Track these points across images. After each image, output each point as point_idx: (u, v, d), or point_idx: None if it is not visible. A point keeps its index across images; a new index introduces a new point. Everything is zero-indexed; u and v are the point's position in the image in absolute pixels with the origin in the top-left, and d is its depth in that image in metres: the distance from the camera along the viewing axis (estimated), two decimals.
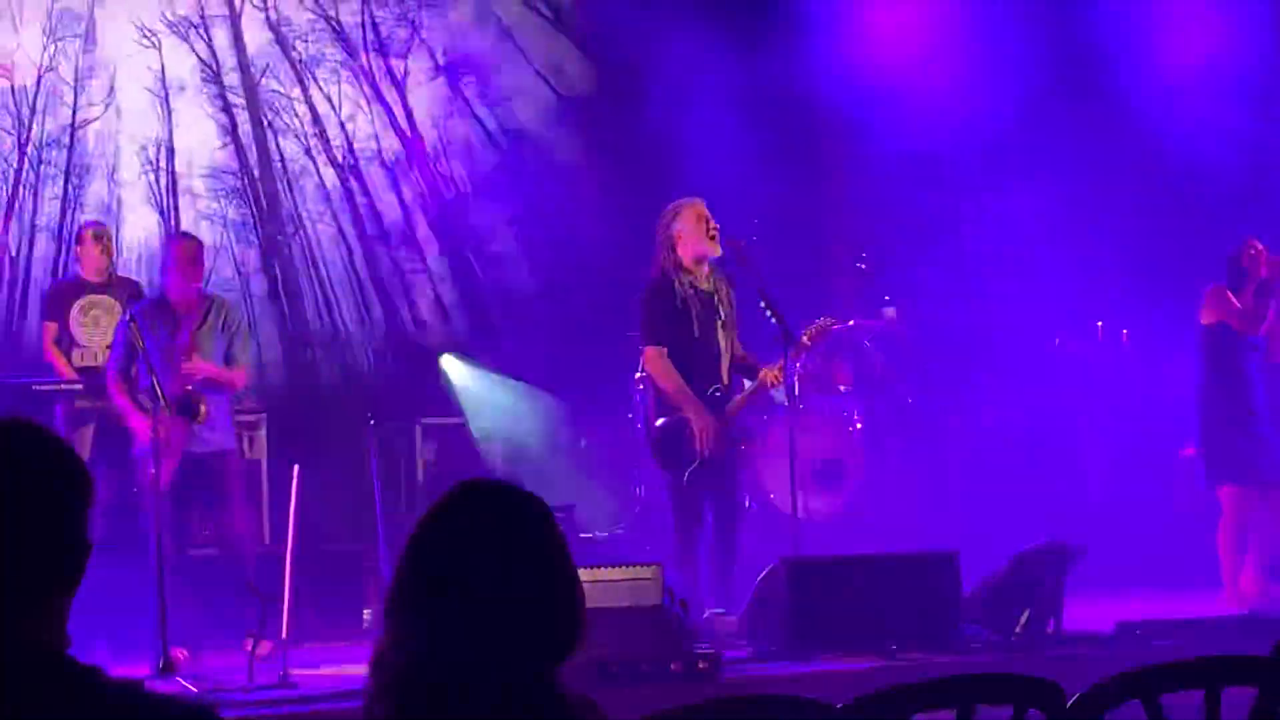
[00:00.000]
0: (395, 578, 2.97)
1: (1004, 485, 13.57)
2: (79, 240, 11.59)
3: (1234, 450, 10.58)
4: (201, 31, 13.86)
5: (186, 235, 10.95)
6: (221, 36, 13.91)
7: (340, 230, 14.19)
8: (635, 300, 10.04)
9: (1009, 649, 8.79)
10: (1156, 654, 8.33)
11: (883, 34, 14.03)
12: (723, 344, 9.89)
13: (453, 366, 13.46)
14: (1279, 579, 10.80)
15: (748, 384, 9.96)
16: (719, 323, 9.87)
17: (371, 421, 11.62)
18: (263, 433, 11.92)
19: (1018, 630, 8.89)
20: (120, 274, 11.97)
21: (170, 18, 13.71)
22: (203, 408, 9.86)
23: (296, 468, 8.90)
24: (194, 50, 13.82)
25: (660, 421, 9.93)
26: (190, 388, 9.87)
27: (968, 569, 9.07)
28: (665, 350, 9.82)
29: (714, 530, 9.86)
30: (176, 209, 13.66)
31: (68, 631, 2.72)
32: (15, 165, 13.27)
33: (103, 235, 11.60)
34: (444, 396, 13.25)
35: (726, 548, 9.78)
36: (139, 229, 13.53)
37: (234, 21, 13.93)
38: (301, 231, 14.00)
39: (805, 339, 9.96)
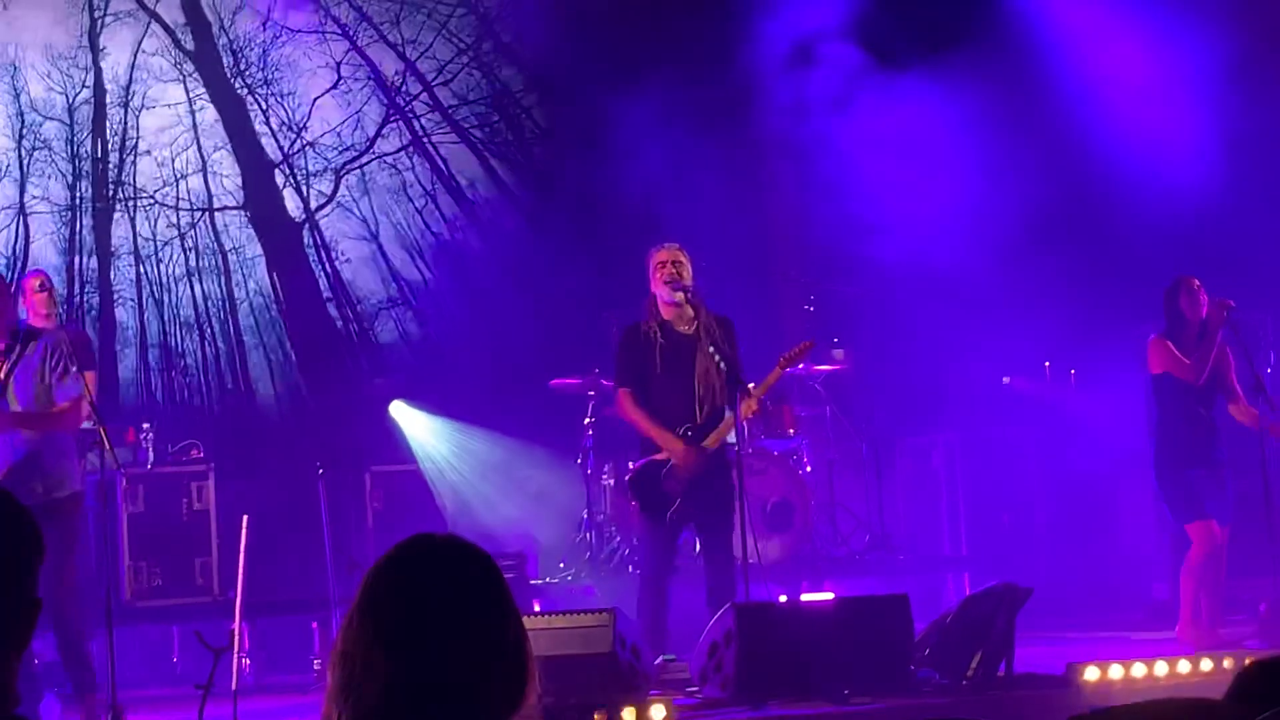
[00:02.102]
0: (344, 630, 2.96)
1: (952, 525, 13.64)
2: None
3: (1192, 487, 10.60)
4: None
5: None
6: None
7: (190, 305, 14.37)
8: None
9: (961, 692, 8.78)
10: (1107, 696, 8.44)
11: (835, 76, 14.10)
12: (700, 384, 9.90)
13: (402, 413, 13.43)
14: (1243, 618, 10.84)
15: (727, 414, 9.94)
16: (696, 364, 9.88)
17: (320, 470, 11.59)
18: (210, 483, 11.88)
19: (969, 673, 8.89)
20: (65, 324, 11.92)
21: None
22: None
23: (245, 518, 8.85)
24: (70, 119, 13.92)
25: (633, 464, 9.97)
26: None
27: (918, 611, 9.07)
28: (631, 392, 9.94)
29: (710, 582, 9.83)
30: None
31: (16, 691, 2.71)
32: None
33: (48, 284, 11.53)
34: (393, 443, 13.22)
35: (724, 595, 9.70)
36: None
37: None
38: (150, 302, 14.12)
39: (776, 370, 10.08)
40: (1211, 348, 10.59)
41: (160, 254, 14.37)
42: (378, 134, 15.25)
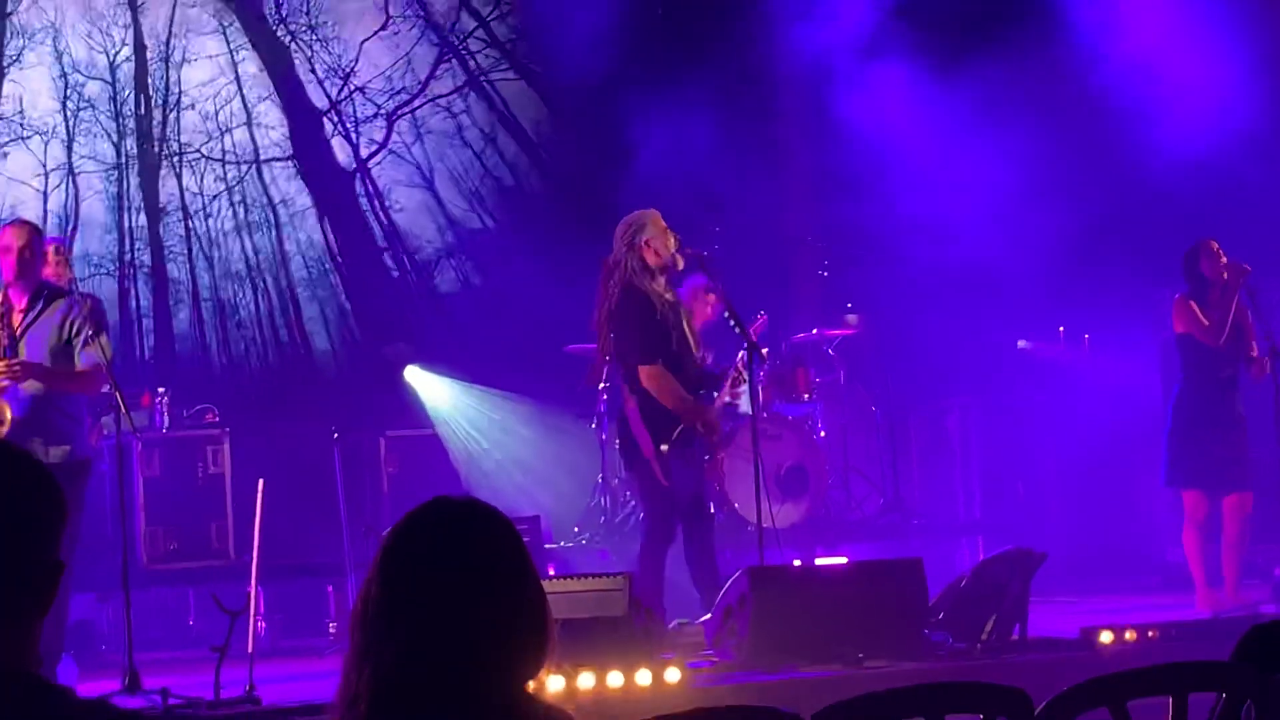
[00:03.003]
0: (363, 593, 2.97)
1: (966, 490, 13.65)
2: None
3: (1196, 455, 10.62)
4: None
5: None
6: None
7: (242, 260, 14.32)
8: (599, 316, 9.91)
9: (975, 656, 8.80)
10: (1123, 660, 8.44)
11: (848, 42, 14.07)
12: (695, 350, 9.89)
13: (417, 377, 13.44)
14: (1256, 583, 10.85)
15: (722, 389, 9.96)
16: (688, 330, 9.87)
17: (335, 435, 11.62)
18: (226, 447, 11.92)
19: (984, 637, 8.90)
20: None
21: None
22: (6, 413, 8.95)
23: (261, 482, 8.87)
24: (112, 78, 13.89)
25: (665, 447, 9.72)
26: None
27: (933, 576, 9.07)
28: (661, 364, 9.67)
29: (692, 539, 9.81)
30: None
31: (38, 652, 2.72)
32: None
33: (62, 249, 11.56)
34: (408, 408, 13.24)
35: (709, 554, 9.72)
36: None
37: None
38: (200, 257, 14.09)
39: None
40: (1229, 309, 10.59)
41: (209, 208, 14.27)
42: (430, 75, 15.01)
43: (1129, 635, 8.91)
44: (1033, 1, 13.90)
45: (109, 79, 13.98)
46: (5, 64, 13.68)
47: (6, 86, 13.68)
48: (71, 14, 13.81)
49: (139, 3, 14.06)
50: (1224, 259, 10.68)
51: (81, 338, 9.12)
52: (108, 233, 13.85)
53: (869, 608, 8.80)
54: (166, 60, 14.15)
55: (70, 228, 13.69)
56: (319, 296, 14.51)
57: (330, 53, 14.76)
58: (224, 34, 14.40)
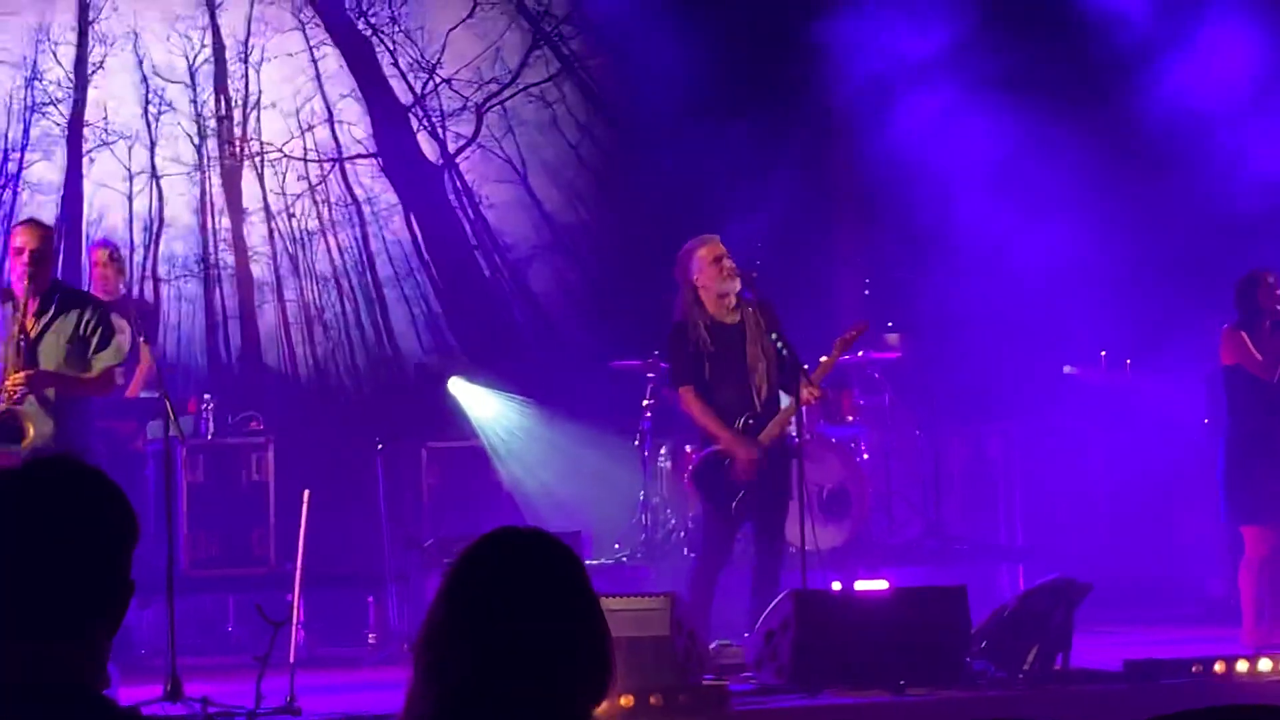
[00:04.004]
0: (430, 616, 2.98)
1: (1008, 516, 13.60)
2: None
3: (1253, 489, 10.55)
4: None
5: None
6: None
7: (326, 259, 14.24)
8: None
9: (1017, 685, 8.77)
10: (1165, 694, 8.41)
11: (896, 57, 14.04)
12: (756, 372, 9.93)
13: (461, 389, 13.45)
14: None
15: (786, 403, 9.98)
16: (748, 353, 9.90)
17: (379, 445, 11.63)
18: (270, 455, 11.95)
19: (1026, 667, 8.87)
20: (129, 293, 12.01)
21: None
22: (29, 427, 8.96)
23: (306, 492, 8.89)
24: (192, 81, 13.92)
25: (698, 454, 10.04)
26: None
27: (976, 604, 9.05)
28: (692, 388, 9.93)
29: (759, 563, 9.88)
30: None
31: (108, 673, 2.73)
32: None
33: (116, 252, 11.65)
34: (450, 419, 13.24)
35: (771, 584, 9.74)
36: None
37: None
38: (285, 258, 14.06)
39: (833, 353, 10.08)
40: None
41: (291, 208, 14.18)
42: (522, 64, 14.78)
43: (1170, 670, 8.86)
44: (1082, 27, 13.84)
45: (189, 81, 13.94)
46: (90, 72, 13.68)
47: (91, 94, 13.68)
48: (150, 18, 13.79)
49: (217, 3, 14.01)
50: (1279, 290, 10.61)
51: (97, 340, 9.17)
52: (192, 235, 13.84)
53: (911, 634, 8.78)
54: (245, 60, 14.08)
55: (155, 230, 13.70)
56: (407, 297, 14.39)
57: (414, 45, 14.56)
58: (303, 31, 14.27)
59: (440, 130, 14.63)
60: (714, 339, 9.92)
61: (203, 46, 13.99)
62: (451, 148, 14.67)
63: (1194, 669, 8.95)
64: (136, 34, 13.77)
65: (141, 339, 10.56)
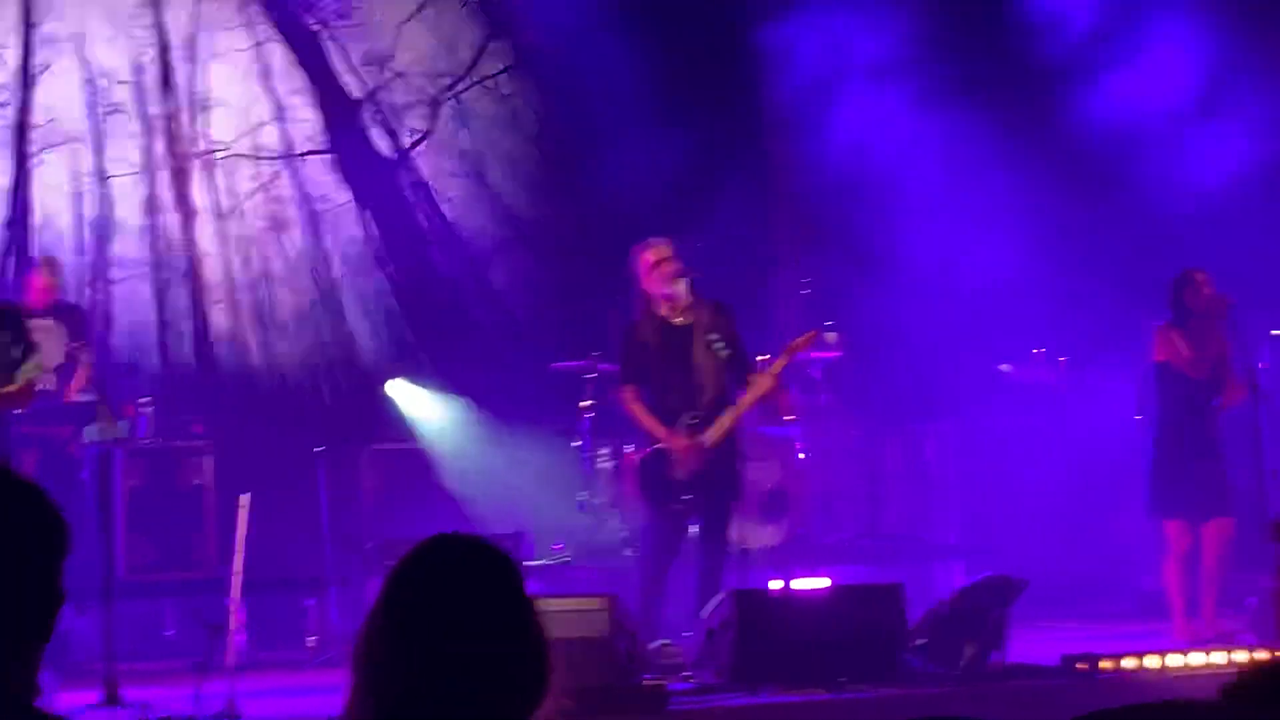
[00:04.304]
0: (366, 629, 3.00)
1: (947, 515, 13.66)
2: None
3: (1176, 485, 10.66)
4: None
5: None
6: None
7: (279, 259, 14.14)
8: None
9: (954, 682, 8.83)
10: (1101, 689, 8.48)
11: (832, 60, 14.11)
12: (703, 374, 9.97)
13: (401, 391, 13.44)
14: (1232, 612, 10.87)
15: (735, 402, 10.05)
16: (695, 353, 9.95)
17: (320, 448, 11.61)
18: (210, 459, 11.90)
19: (962, 663, 8.94)
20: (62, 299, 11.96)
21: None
22: None
23: (245, 497, 8.87)
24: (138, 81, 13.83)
25: (638, 453, 10.16)
26: None
27: (913, 601, 9.11)
28: (634, 389, 10.10)
29: (702, 565, 9.92)
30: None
31: (37, 682, 2.73)
32: None
33: (55, 265, 11.64)
34: (392, 422, 13.23)
35: (714, 583, 9.79)
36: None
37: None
38: (236, 258, 13.98)
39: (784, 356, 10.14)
40: (1212, 341, 10.63)
41: (242, 208, 14.06)
42: (478, 55, 14.62)
43: (1107, 665, 8.94)
44: (1018, 32, 13.93)
45: (135, 82, 13.83)
46: (35, 73, 13.56)
47: (37, 96, 13.56)
48: (95, 19, 13.67)
49: (161, 2, 13.88)
50: (1209, 290, 10.71)
51: (20, 353, 9.25)
52: (142, 236, 13.73)
53: (850, 632, 8.85)
54: (192, 59, 13.95)
55: (104, 233, 13.60)
56: (363, 295, 14.29)
57: (365, 38, 14.41)
58: (249, 28, 14.14)
59: (394, 125, 14.53)
60: (662, 340, 10.01)
61: (148, 47, 13.87)
62: (406, 142, 14.56)
63: (1129, 664, 9.01)
64: (81, 36, 13.66)
65: (78, 344, 10.52)
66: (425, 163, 14.57)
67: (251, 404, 13.65)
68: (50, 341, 11.27)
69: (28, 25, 13.56)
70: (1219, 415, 10.81)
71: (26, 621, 2.70)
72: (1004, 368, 13.76)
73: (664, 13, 14.23)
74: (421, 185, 14.55)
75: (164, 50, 13.90)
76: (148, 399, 12.09)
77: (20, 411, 10.77)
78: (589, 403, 12.16)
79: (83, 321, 11.91)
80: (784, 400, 12.45)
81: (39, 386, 9.77)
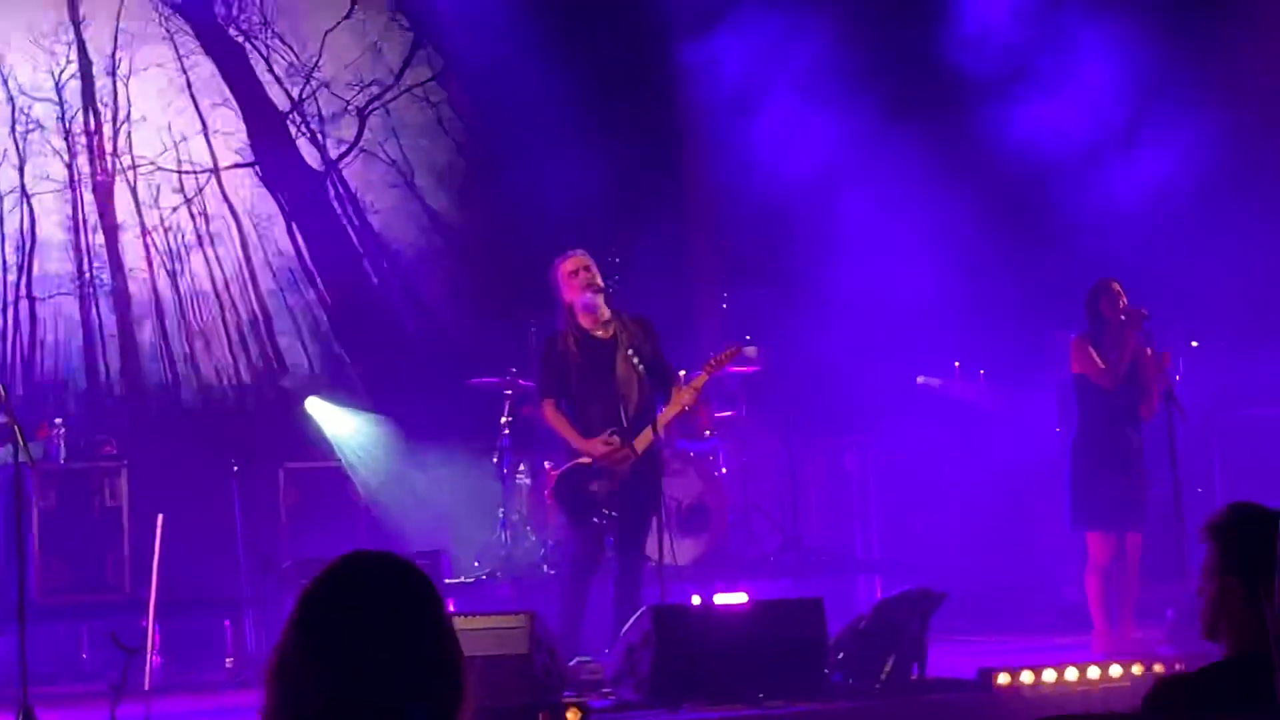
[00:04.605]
0: (280, 646, 2.96)
1: (864, 527, 13.71)
2: None
3: (1097, 496, 10.71)
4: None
5: None
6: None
7: (206, 274, 14.02)
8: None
9: (874, 695, 8.84)
10: (1019, 703, 8.52)
11: (751, 75, 14.15)
12: (625, 387, 9.93)
13: (318, 408, 13.36)
14: (1150, 624, 10.93)
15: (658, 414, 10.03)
16: (616, 366, 9.92)
17: (235, 467, 11.52)
18: (124, 480, 11.79)
19: (883, 677, 8.94)
20: None
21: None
22: None
23: (160, 516, 8.80)
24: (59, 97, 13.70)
25: (558, 470, 10.06)
26: None
27: (834, 615, 9.11)
28: (553, 402, 10.00)
29: (618, 578, 9.89)
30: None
31: None
32: None
33: None
34: (308, 440, 13.15)
35: (632, 596, 9.77)
36: None
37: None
38: (163, 274, 13.83)
39: (704, 372, 10.13)
40: (1125, 352, 10.68)
41: (168, 222, 13.91)
42: (405, 63, 14.52)
43: (1025, 677, 8.97)
44: (928, 29, 14.00)
45: (56, 98, 13.71)
46: None
47: None
48: (15, 36, 13.56)
49: (81, 19, 13.77)
50: (1124, 300, 10.77)
51: None
52: (66, 253, 13.61)
53: (770, 647, 8.83)
54: (114, 74, 13.85)
55: (28, 250, 13.48)
56: (291, 309, 14.18)
57: (289, 48, 14.34)
58: (171, 41, 14.04)
59: (320, 136, 14.44)
60: (582, 352, 9.95)
61: (69, 62, 13.78)
62: (333, 153, 14.49)
63: (1048, 677, 9.05)
64: (0, 53, 13.54)
65: None
66: (353, 174, 14.48)
67: (170, 422, 13.54)
68: None
69: None
70: (1137, 426, 10.85)
71: None
72: (921, 380, 13.82)
73: (588, 28, 14.23)
74: (350, 197, 14.45)
75: (85, 66, 13.80)
76: (59, 420, 11.96)
77: None
78: (507, 418, 12.14)
79: None
80: (704, 415, 12.49)
81: None
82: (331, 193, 14.43)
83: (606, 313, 10.00)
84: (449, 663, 2.99)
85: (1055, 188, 13.54)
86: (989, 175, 13.83)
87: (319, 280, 14.30)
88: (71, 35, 13.79)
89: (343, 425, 13.28)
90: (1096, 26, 13.74)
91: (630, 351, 9.88)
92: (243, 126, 14.23)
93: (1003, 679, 8.94)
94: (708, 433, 12.72)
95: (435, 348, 14.21)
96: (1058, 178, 13.57)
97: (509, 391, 12.20)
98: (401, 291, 14.54)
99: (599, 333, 10.02)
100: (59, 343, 13.50)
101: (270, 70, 14.35)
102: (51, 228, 13.65)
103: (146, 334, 13.79)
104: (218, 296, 14.03)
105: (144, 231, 13.88)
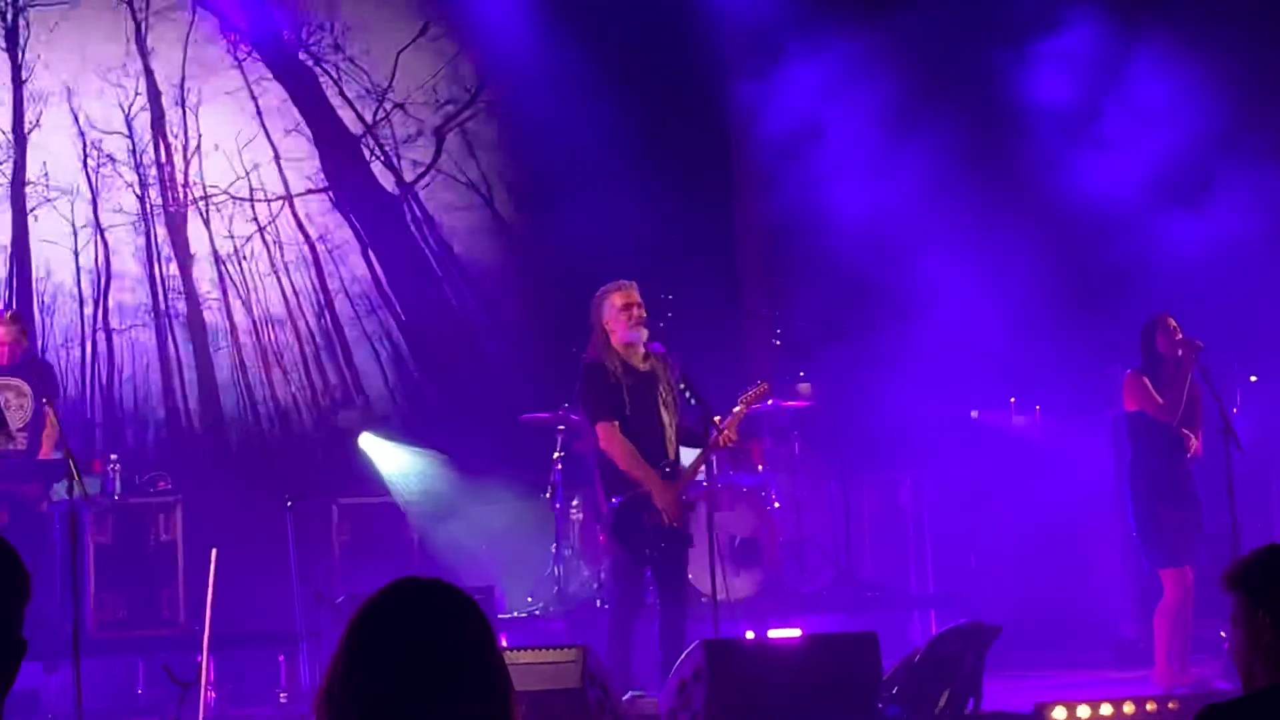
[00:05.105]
0: (329, 673, 2.96)
1: (919, 562, 13.64)
2: None
3: (1166, 532, 10.61)
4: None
5: None
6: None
7: (281, 302, 14.03)
8: (574, 385, 10.12)
9: None
10: None
11: (804, 116, 14.15)
12: (666, 421, 9.91)
13: (371, 445, 13.39)
14: (1208, 658, 10.84)
15: (692, 456, 10.00)
16: (660, 401, 9.90)
17: (289, 503, 11.55)
18: (179, 514, 11.83)
19: (937, 711, 8.90)
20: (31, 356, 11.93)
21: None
22: None
23: (214, 551, 8.82)
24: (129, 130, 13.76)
25: (615, 500, 9.87)
26: None
27: (887, 651, 9.07)
28: (617, 424, 9.80)
29: (665, 613, 9.85)
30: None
31: None
32: None
33: (17, 318, 11.60)
34: (362, 475, 13.17)
35: (678, 630, 9.74)
36: None
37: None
38: (237, 303, 13.88)
39: (740, 407, 10.08)
40: (1183, 387, 10.62)
41: (241, 251, 13.92)
42: (481, 81, 14.37)
43: (1082, 711, 8.91)
44: (989, 74, 13.98)
45: (126, 131, 13.75)
46: (26, 130, 13.49)
47: (30, 152, 13.49)
48: (83, 71, 13.59)
49: (149, 49, 13.79)
50: (1179, 334, 10.70)
51: None
52: (140, 284, 13.66)
53: (824, 681, 8.78)
54: (183, 104, 13.85)
55: (103, 283, 13.54)
56: (369, 335, 14.14)
57: (362, 71, 14.28)
58: (240, 68, 14.02)
59: (395, 158, 14.35)
60: (631, 383, 9.87)
61: (137, 95, 13.80)
62: (409, 176, 14.39)
63: (1106, 710, 8.98)
64: (69, 89, 13.61)
65: (44, 401, 10.48)
66: (430, 195, 14.38)
67: (230, 453, 13.60)
68: (20, 399, 11.27)
69: (17, 83, 13.50)
70: (1192, 461, 10.78)
71: None
72: (974, 414, 13.77)
73: (644, 63, 14.17)
74: (427, 220, 14.36)
75: (154, 97, 13.82)
76: (114, 456, 12.01)
77: None
78: (559, 454, 12.13)
79: (52, 379, 11.87)
80: (756, 449, 12.47)
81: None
82: (408, 216, 14.34)
83: (642, 348, 9.96)
84: (498, 686, 2.98)
85: (1116, 228, 13.47)
86: (1045, 212, 13.77)
87: (396, 305, 14.24)
88: (139, 66, 13.80)
89: (396, 461, 13.30)
90: (1168, 76, 13.68)
91: (683, 387, 9.86)
92: (315, 152, 14.20)
93: (1058, 713, 8.88)
94: (760, 467, 12.69)
95: (513, 371, 14.08)
96: (1119, 219, 13.49)
97: (561, 427, 12.19)
98: (481, 314, 14.40)
99: (640, 365, 9.96)
100: (136, 374, 13.56)
101: (342, 94, 14.31)
102: (126, 260, 13.70)
103: (222, 363, 13.82)
104: (293, 323, 14.02)
105: (217, 261, 13.89)
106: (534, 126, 14.38)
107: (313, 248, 14.15)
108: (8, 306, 11.91)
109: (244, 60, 14.07)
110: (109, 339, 13.55)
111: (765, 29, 14.21)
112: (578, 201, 13.83)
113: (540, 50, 14.13)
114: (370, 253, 14.25)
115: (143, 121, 13.84)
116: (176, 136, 13.89)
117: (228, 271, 13.93)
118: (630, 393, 9.85)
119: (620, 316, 9.88)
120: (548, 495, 12.25)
